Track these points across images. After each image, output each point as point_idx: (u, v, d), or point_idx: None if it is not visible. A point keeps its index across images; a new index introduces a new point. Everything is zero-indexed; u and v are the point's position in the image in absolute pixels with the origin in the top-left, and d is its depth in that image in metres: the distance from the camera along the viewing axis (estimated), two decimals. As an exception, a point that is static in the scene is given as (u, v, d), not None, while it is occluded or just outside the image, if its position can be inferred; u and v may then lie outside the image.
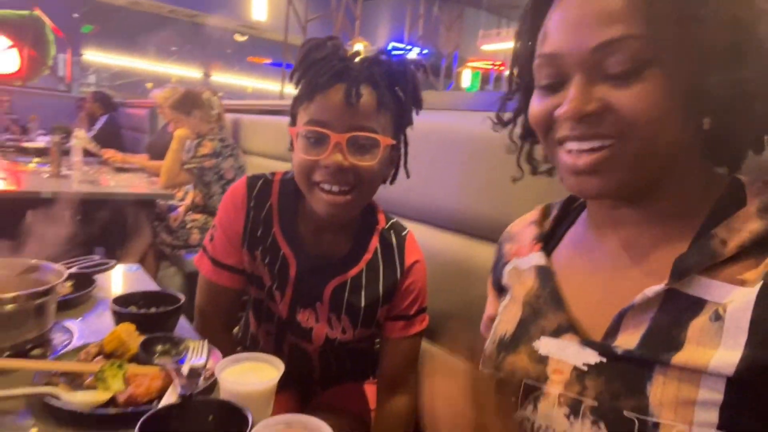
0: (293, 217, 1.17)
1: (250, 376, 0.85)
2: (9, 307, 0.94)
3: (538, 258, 0.77)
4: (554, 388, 0.65)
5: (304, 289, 1.15)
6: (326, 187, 1.02)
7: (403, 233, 1.19)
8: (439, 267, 1.30)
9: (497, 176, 1.23)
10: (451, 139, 1.40)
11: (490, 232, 1.24)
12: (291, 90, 1.11)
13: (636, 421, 0.56)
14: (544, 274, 0.74)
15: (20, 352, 0.96)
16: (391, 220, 1.21)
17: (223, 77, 13.53)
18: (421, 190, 1.44)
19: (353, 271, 1.15)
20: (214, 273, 1.21)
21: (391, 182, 1.17)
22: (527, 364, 0.69)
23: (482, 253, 1.25)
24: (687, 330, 0.56)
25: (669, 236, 0.64)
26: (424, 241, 1.24)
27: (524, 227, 0.84)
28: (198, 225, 3.02)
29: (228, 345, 1.29)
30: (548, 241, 0.80)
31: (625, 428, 0.57)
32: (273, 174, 1.21)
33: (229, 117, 3.31)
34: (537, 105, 0.66)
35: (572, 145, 0.63)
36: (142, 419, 0.70)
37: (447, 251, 1.36)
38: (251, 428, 0.70)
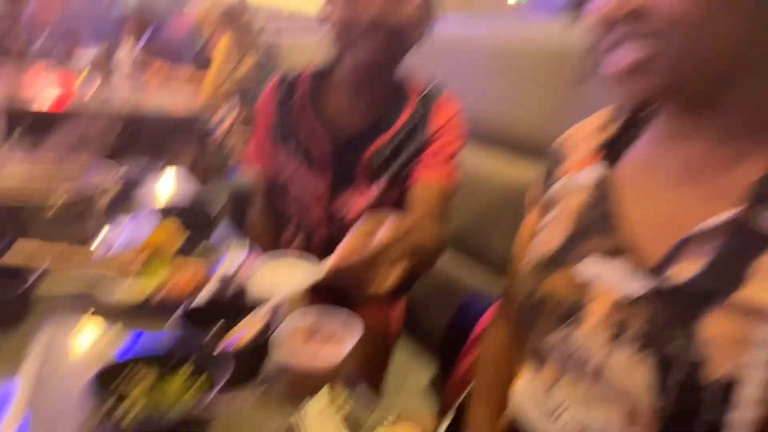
0: (324, 101, 1.17)
1: (285, 275, 0.87)
2: (63, 201, 0.99)
3: (597, 169, 0.70)
4: (596, 314, 0.61)
5: (343, 165, 1.16)
6: (365, 41, 1.04)
7: (437, 97, 1.17)
8: (482, 186, 1.27)
9: (545, 90, 1.17)
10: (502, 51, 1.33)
11: (535, 150, 1.20)
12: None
13: (682, 357, 0.53)
14: (602, 189, 0.68)
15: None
16: (429, 85, 1.19)
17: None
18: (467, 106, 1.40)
19: (389, 134, 1.14)
20: (257, 160, 1.26)
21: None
22: (568, 286, 0.65)
23: (527, 171, 1.22)
24: (752, 265, 0.52)
25: (743, 158, 0.58)
26: (469, 159, 1.21)
27: (583, 138, 0.77)
28: (244, 139, 3.03)
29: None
30: (612, 151, 0.73)
31: (670, 363, 0.54)
32: (303, 70, 1.23)
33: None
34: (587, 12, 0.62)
35: (613, 49, 0.58)
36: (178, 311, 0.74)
37: (491, 169, 1.33)
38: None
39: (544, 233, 0.74)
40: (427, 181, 1.13)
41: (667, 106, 0.64)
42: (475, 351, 1.11)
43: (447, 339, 1.27)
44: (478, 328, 1.14)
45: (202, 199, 1.20)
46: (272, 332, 0.74)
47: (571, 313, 0.64)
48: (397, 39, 1.07)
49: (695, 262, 0.56)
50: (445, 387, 1.14)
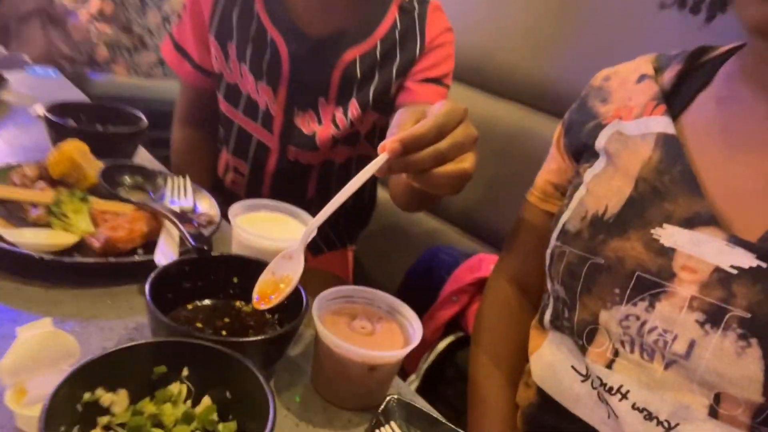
0: None
1: (272, 229, 0.65)
2: None
3: (660, 123, 0.61)
4: (685, 288, 0.53)
5: (303, 81, 0.93)
6: None
7: (427, 3, 0.96)
8: (494, 137, 1.11)
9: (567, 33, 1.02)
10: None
11: (551, 103, 1.06)
12: None
13: None
14: (671, 145, 0.59)
15: None
16: None
17: None
18: (476, 51, 1.20)
19: (365, 46, 0.92)
20: (176, 61, 0.99)
21: None
22: (642, 253, 0.56)
23: (541, 125, 1.08)
24: None
25: None
26: (478, 109, 1.03)
27: (630, 82, 0.67)
28: (108, 40, 2.49)
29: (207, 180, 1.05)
30: (672, 103, 0.64)
31: None
32: None
33: None
34: None
35: None
36: (152, 276, 0.49)
37: (502, 121, 1.17)
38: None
39: (594, 188, 0.63)
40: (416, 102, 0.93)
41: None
42: (446, 308, 1.01)
43: (403, 293, 1.14)
44: (448, 286, 1.04)
45: (103, 112, 0.87)
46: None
47: (650, 284, 0.55)
48: None
49: None
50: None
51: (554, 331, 0.65)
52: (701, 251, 0.52)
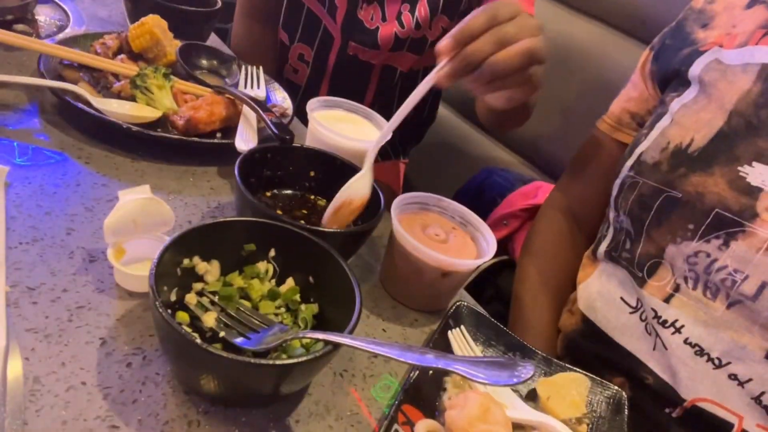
0: None
1: (347, 129, 0.64)
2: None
3: (766, 54, 0.56)
4: (766, 229, 0.52)
5: None
6: None
7: None
8: (569, 59, 1.05)
9: None
10: None
11: (638, 27, 0.99)
12: None
13: None
14: None
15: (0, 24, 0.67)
16: None
17: None
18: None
19: None
20: None
21: None
22: (725, 190, 0.54)
23: (624, 51, 1.01)
24: None
25: None
26: (554, 26, 0.95)
27: (736, 6, 0.61)
28: None
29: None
30: None
31: None
32: None
33: None
34: None
35: None
36: (239, 159, 0.50)
37: (580, 42, 1.10)
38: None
39: (680, 118, 0.60)
40: None
41: None
42: (496, 231, 1.02)
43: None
44: (500, 209, 1.04)
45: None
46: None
47: (729, 222, 0.54)
48: None
49: None
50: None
51: (608, 262, 0.65)
52: None
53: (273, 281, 0.45)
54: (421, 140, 1.21)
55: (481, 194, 1.10)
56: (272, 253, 0.45)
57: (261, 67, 0.77)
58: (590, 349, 0.65)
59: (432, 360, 0.34)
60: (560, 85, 1.08)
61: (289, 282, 0.45)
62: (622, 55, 0.99)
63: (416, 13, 0.88)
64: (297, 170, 0.57)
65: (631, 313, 0.61)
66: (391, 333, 0.50)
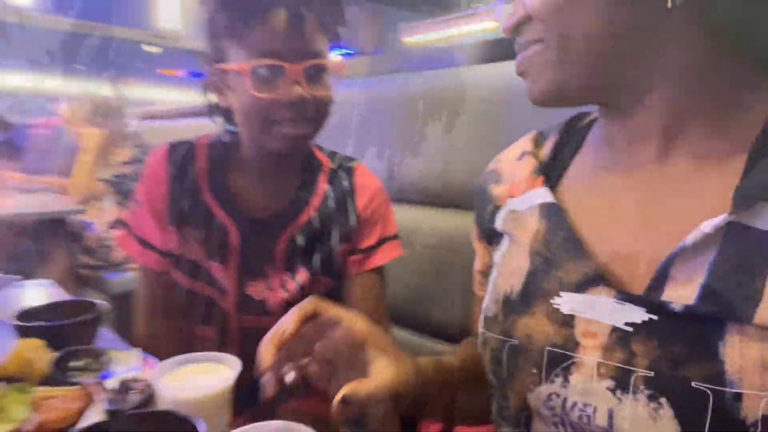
0: (225, 178, 1.03)
1: (197, 380, 0.68)
2: None
3: (541, 195, 0.63)
4: (589, 355, 0.51)
5: (251, 255, 1.00)
6: (288, 125, 0.92)
7: (353, 170, 1.07)
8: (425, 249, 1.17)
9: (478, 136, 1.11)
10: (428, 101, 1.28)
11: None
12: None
13: (710, 394, 0.44)
14: (553, 213, 0.60)
15: None
16: (335, 156, 1.09)
17: (136, 91, 12.68)
18: (397, 167, 1.32)
19: (303, 217, 1.01)
20: (139, 251, 1.04)
21: None
22: (547, 326, 0.55)
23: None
24: (766, 276, 0.44)
25: (716, 157, 0.52)
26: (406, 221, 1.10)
27: (513, 161, 0.71)
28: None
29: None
30: (550, 173, 0.66)
31: (696, 403, 0.45)
32: (197, 137, 1.06)
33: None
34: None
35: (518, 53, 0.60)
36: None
37: (430, 229, 1.23)
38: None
39: (501, 269, 0.64)
40: (368, 277, 1.03)
41: (602, 112, 0.61)
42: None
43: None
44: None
45: (73, 306, 0.96)
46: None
47: (560, 358, 0.54)
48: (322, 123, 0.97)
49: (691, 281, 0.48)
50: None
51: (501, 425, 0.64)
52: (596, 313, 0.52)
53: None
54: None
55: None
56: None
57: (138, 349, 0.83)
58: None
59: None
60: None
61: None
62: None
63: (297, 279, 1.00)
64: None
65: None
66: None
